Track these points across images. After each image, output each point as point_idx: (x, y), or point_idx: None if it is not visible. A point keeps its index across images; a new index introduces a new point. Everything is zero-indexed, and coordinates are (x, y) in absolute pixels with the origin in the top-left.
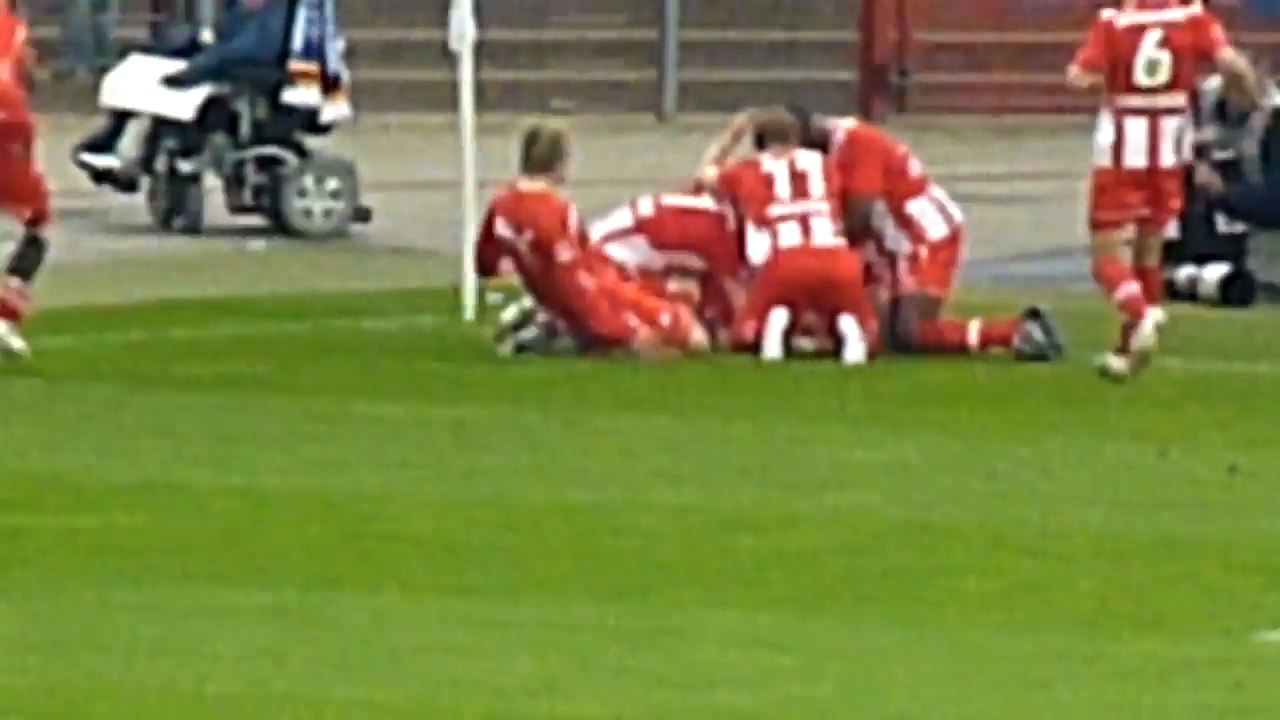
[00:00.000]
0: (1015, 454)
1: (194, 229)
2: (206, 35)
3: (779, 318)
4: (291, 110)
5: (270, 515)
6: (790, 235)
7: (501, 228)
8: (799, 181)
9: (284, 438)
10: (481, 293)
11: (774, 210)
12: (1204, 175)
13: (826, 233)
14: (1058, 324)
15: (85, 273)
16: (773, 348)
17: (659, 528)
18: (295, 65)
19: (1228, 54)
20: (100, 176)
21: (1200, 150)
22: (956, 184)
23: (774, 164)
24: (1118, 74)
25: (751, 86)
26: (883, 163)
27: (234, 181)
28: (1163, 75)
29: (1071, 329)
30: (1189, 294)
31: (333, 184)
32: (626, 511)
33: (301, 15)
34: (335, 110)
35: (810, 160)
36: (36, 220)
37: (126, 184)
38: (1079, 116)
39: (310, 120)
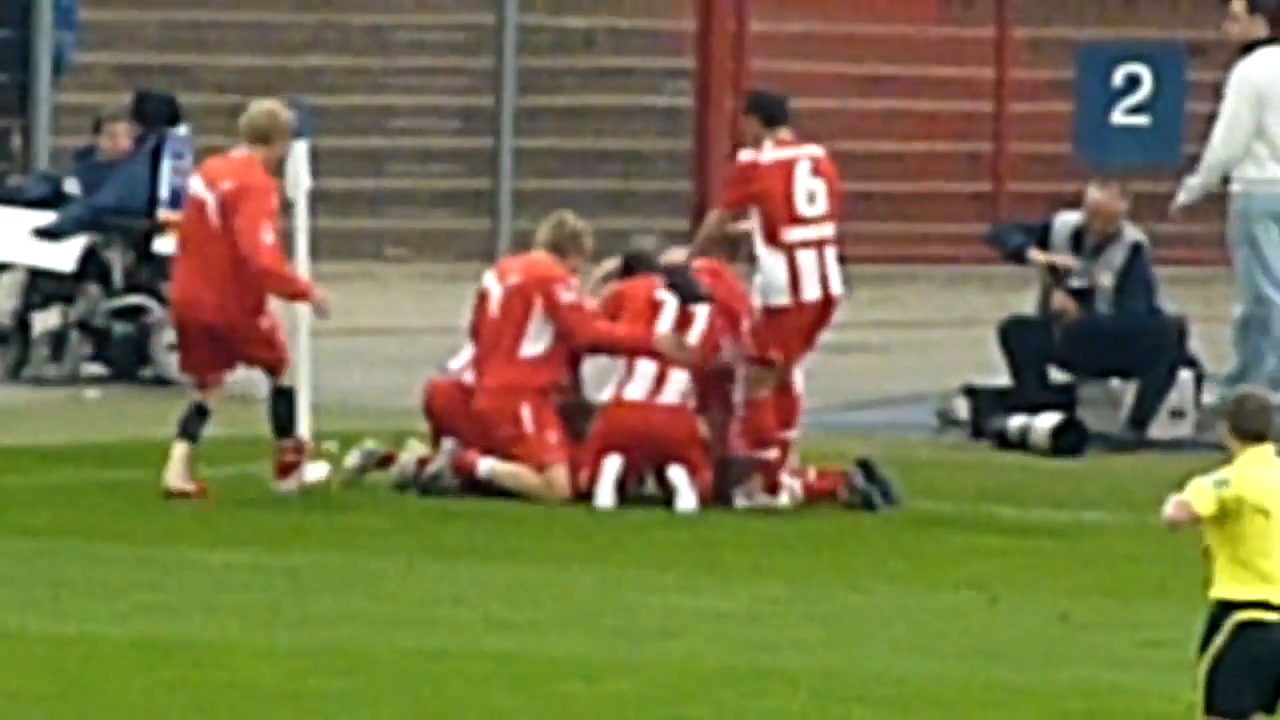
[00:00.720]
0: (846, 601)
1: (75, 377)
2: (71, 185)
3: (612, 465)
4: (159, 259)
5: (105, 663)
6: (640, 386)
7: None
8: (683, 324)
9: (119, 585)
10: (317, 441)
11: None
12: (1060, 300)
13: (675, 391)
14: (886, 473)
15: None
16: (604, 496)
17: (491, 673)
18: (164, 214)
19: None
20: None
21: (1057, 276)
22: None
23: (665, 295)
24: (778, 208)
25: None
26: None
27: (102, 331)
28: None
29: (904, 477)
30: (1020, 443)
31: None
32: (456, 658)
33: (166, 165)
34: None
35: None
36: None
37: (3, 336)
38: (913, 266)
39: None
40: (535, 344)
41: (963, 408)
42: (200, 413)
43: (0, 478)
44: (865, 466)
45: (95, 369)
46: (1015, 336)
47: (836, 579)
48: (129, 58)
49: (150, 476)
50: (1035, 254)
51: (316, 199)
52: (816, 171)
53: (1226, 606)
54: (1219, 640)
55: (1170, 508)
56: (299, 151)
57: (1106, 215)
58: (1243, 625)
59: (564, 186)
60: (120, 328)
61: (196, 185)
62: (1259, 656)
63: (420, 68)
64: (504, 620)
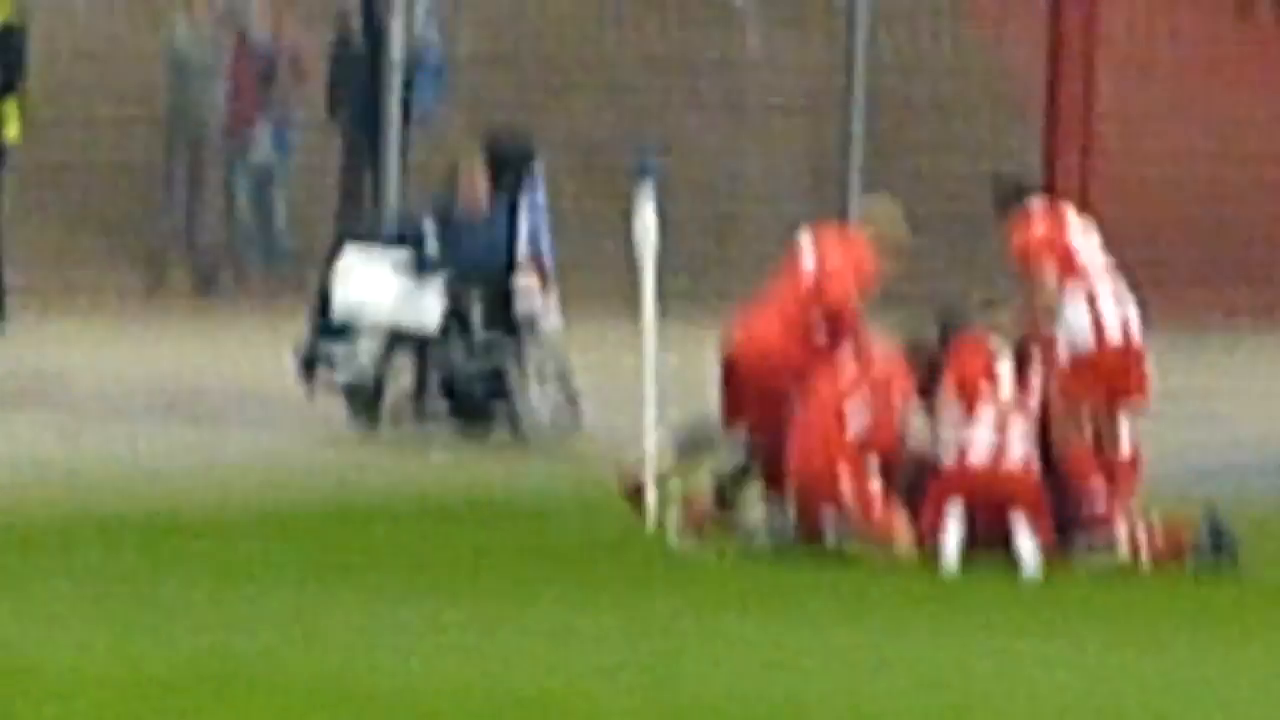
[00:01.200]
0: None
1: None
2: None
3: (956, 528)
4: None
5: None
6: (981, 448)
7: None
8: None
9: None
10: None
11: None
12: None
13: (1020, 448)
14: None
15: None
16: (950, 557)
17: None
18: (521, 273)
19: None
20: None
21: None
22: None
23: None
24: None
25: None
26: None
27: (463, 392)
28: None
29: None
30: None
31: (552, 387)
32: None
33: (524, 219)
34: (553, 314)
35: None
36: None
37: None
38: None
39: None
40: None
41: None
42: None
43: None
44: (1211, 518)
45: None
46: None
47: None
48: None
49: None
50: None
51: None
52: None
53: None
54: None
55: None
56: (647, 207)
57: None
58: None
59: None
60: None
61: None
62: None
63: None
64: None
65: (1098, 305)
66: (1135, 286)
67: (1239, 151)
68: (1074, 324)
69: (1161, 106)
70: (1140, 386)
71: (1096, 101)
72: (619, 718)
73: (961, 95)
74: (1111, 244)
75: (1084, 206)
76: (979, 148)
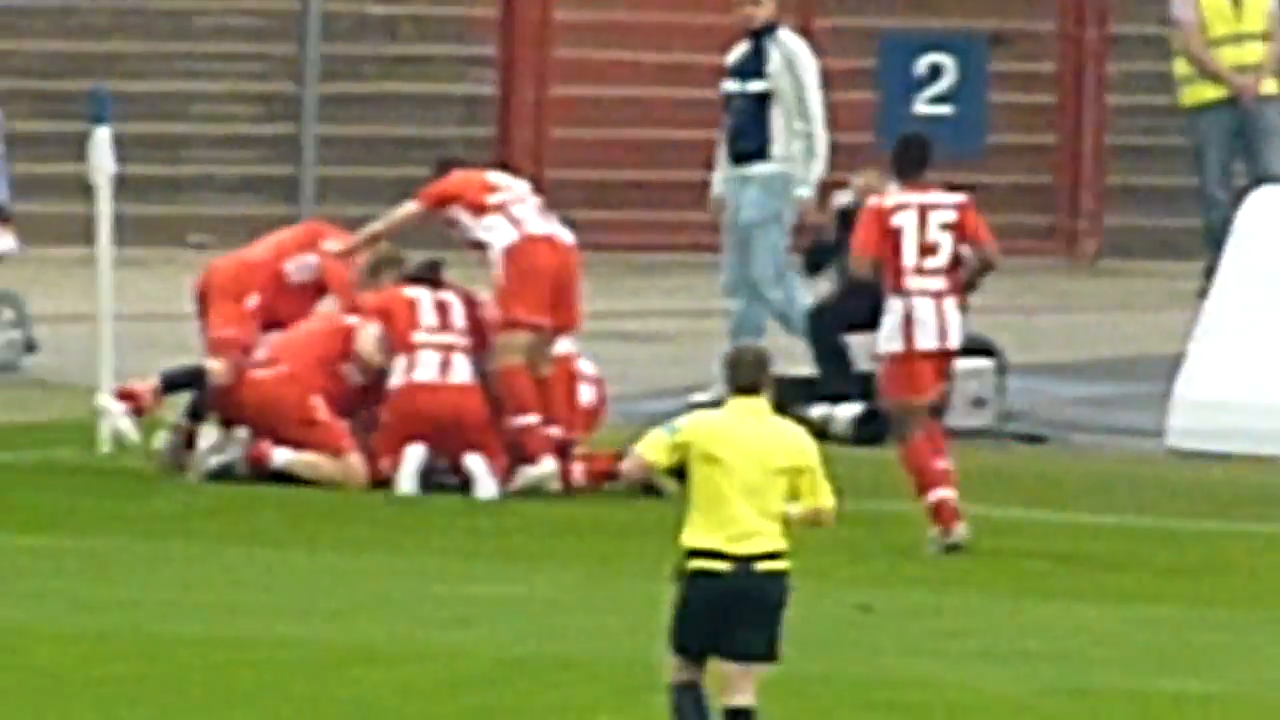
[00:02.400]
0: (643, 589)
1: None
2: None
3: (415, 453)
4: None
5: None
6: (429, 368)
7: None
8: (443, 312)
9: None
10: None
11: (417, 337)
12: (814, 215)
13: (464, 371)
14: None
15: None
16: (407, 482)
17: (288, 661)
18: None
19: None
20: None
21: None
22: (590, 321)
23: (417, 291)
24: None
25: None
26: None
27: None
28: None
29: None
30: (821, 432)
31: (7, 315)
32: (256, 645)
33: None
34: (5, 243)
35: (452, 293)
36: None
37: None
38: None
39: None
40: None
41: None
42: None
43: None
44: None
45: None
46: (820, 324)
47: (633, 567)
48: None
49: None
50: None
51: (119, 185)
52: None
53: (687, 554)
54: (678, 588)
55: (626, 462)
56: (101, 137)
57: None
58: (696, 574)
59: (366, 174)
60: None
61: None
62: (709, 605)
63: (222, 53)
64: (304, 607)
65: (522, 224)
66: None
67: (688, 67)
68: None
69: (614, 25)
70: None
71: (551, 25)
72: (54, 645)
73: (416, 17)
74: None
75: (539, 129)
76: (432, 70)
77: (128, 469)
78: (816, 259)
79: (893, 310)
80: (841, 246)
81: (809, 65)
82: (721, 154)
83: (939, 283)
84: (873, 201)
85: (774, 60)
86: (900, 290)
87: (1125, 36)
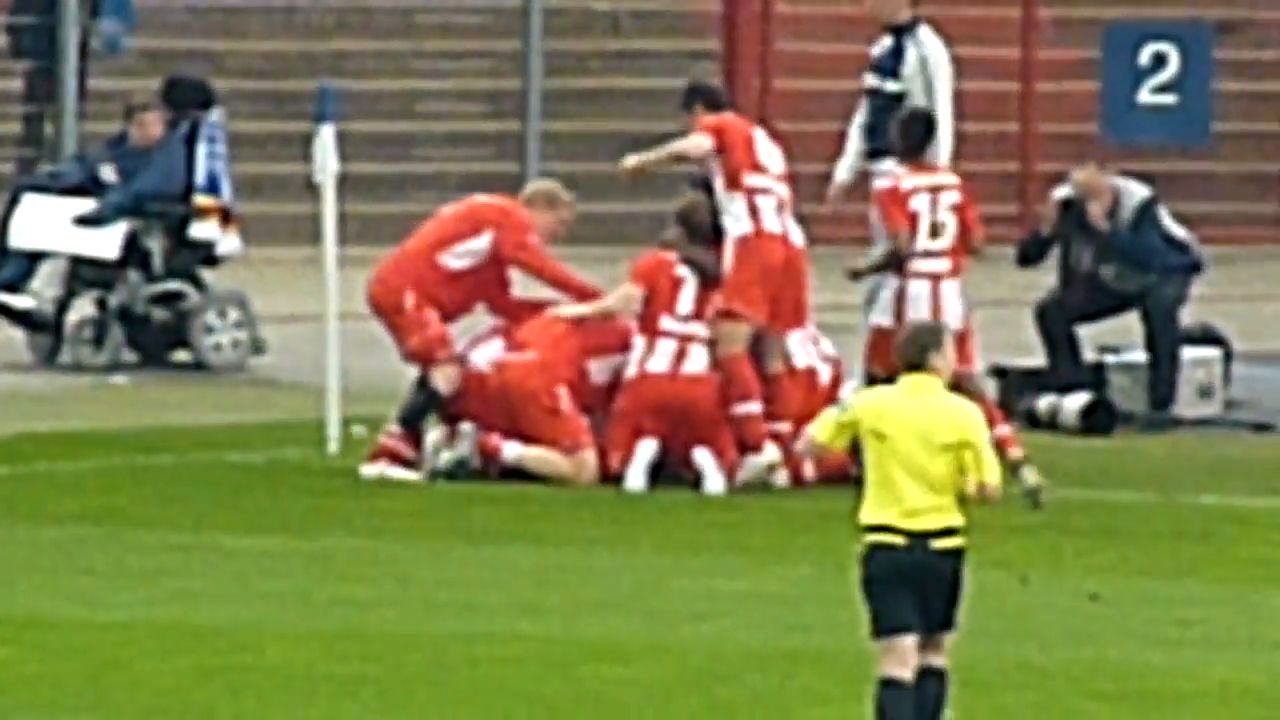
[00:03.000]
0: None
1: (116, 364)
2: (107, 172)
3: (646, 448)
4: (195, 245)
5: (136, 649)
6: (663, 358)
7: None
8: (699, 302)
9: (148, 571)
10: (346, 425)
11: (664, 324)
12: (1044, 209)
13: (700, 361)
14: None
15: None
16: (636, 479)
17: (521, 657)
18: (199, 200)
19: None
20: (15, 316)
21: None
22: (817, 313)
23: (686, 273)
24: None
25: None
26: None
27: (139, 318)
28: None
29: None
30: (1049, 422)
31: (234, 316)
32: (489, 642)
33: (202, 150)
34: (230, 244)
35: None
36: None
37: (44, 324)
38: None
39: (208, 254)
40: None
41: (991, 388)
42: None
43: (30, 464)
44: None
45: (127, 355)
46: (1051, 316)
47: None
48: (156, 42)
49: (179, 462)
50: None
51: (344, 184)
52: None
53: (863, 530)
54: (860, 566)
55: (800, 442)
56: (326, 136)
57: (1097, 190)
58: (873, 548)
59: (590, 169)
60: (158, 314)
61: None
62: (889, 578)
63: (447, 51)
64: (535, 604)
65: (760, 217)
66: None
67: None
68: (734, 233)
69: (836, 18)
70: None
71: (773, 18)
72: (286, 644)
73: (638, 13)
74: (789, 157)
75: (763, 122)
76: (656, 65)
77: (355, 469)
78: (1028, 250)
79: (888, 285)
80: (1061, 240)
81: (941, 67)
82: (852, 144)
83: (942, 264)
84: (884, 184)
85: (910, 61)
86: (902, 270)
87: None
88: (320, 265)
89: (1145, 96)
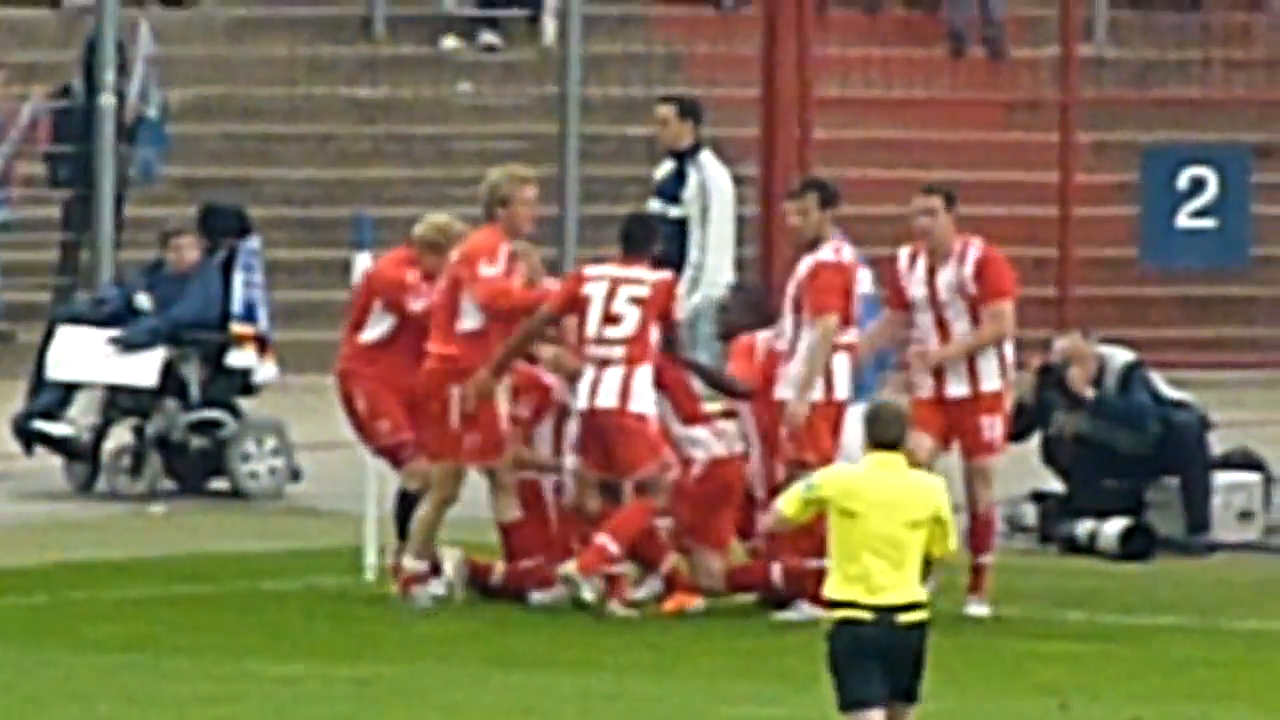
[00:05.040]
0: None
1: (153, 493)
2: (143, 300)
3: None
4: (232, 373)
5: None
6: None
7: None
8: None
9: (185, 699)
10: (382, 553)
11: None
12: (1060, 420)
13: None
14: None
15: None
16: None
17: None
18: (236, 328)
19: None
20: (53, 444)
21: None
22: None
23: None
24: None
25: None
26: None
27: (176, 446)
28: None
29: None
30: (1088, 548)
31: (271, 444)
32: None
33: (238, 278)
34: (267, 372)
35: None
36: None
37: (81, 452)
38: None
39: (245, 382)
40: None
41: (1031, 513)
42: None
43: (68, 593)
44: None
45: (165, 483)
46: (1056, 447)
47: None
48: (192, 170)
49: (216, 590)
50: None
51: None
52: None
53: (829, 605)
54: (826, 641)
55: (767, 517)
56: (362, 263)
57: (1081, 357)
58: (839, 624)
59: None
60: (196, 442)
61: None
62: (856, 653)
63: (483, 178)
64: None
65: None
66: None
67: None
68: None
69: (875, 142)
70: None
71: (810, 143)
72: None
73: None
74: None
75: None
76: None
77: (392, 595)
78: (1018, 425)
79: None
80: (1041, 410)
81: (720, 192)
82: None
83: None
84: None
85: (690, 185)
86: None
87: None
88: None
89: (1184, 220)
